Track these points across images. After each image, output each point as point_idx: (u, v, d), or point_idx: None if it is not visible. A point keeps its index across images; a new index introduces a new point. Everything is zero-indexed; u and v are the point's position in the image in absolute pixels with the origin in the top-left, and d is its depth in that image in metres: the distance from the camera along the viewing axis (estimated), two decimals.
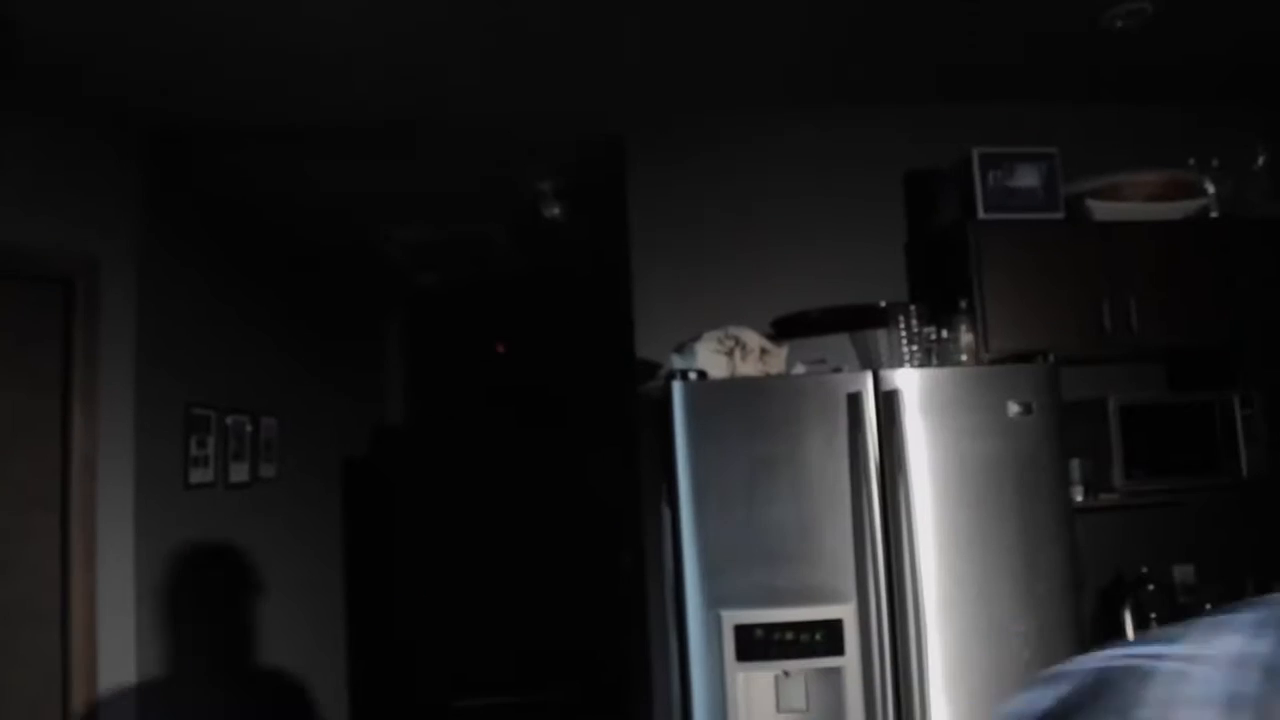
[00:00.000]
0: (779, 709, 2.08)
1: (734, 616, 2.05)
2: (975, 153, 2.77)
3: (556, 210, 3.67)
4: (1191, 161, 2.94)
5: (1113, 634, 2.84)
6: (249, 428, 3.88)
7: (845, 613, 2.06)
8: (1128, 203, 2.82)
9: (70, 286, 2.93)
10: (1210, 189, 2.91)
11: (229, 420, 3.68)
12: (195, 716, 3.32)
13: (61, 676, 2.80)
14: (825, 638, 2.04)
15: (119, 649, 2.87)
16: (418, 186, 3.78)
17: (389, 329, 6.59)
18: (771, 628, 2.05)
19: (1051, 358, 2.22)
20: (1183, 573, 3.09)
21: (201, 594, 3.42)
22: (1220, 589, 3.02)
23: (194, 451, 3.38)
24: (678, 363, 2.20)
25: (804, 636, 2.04)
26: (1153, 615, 2.89)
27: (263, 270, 4.29)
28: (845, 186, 3.13)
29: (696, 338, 2.27)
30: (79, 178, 2.94)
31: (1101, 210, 2.81)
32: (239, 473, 3.75)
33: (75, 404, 2.89)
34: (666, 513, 2.24)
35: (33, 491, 2.84)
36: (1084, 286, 2.74)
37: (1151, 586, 2.92)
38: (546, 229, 4.07)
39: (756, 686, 2.07)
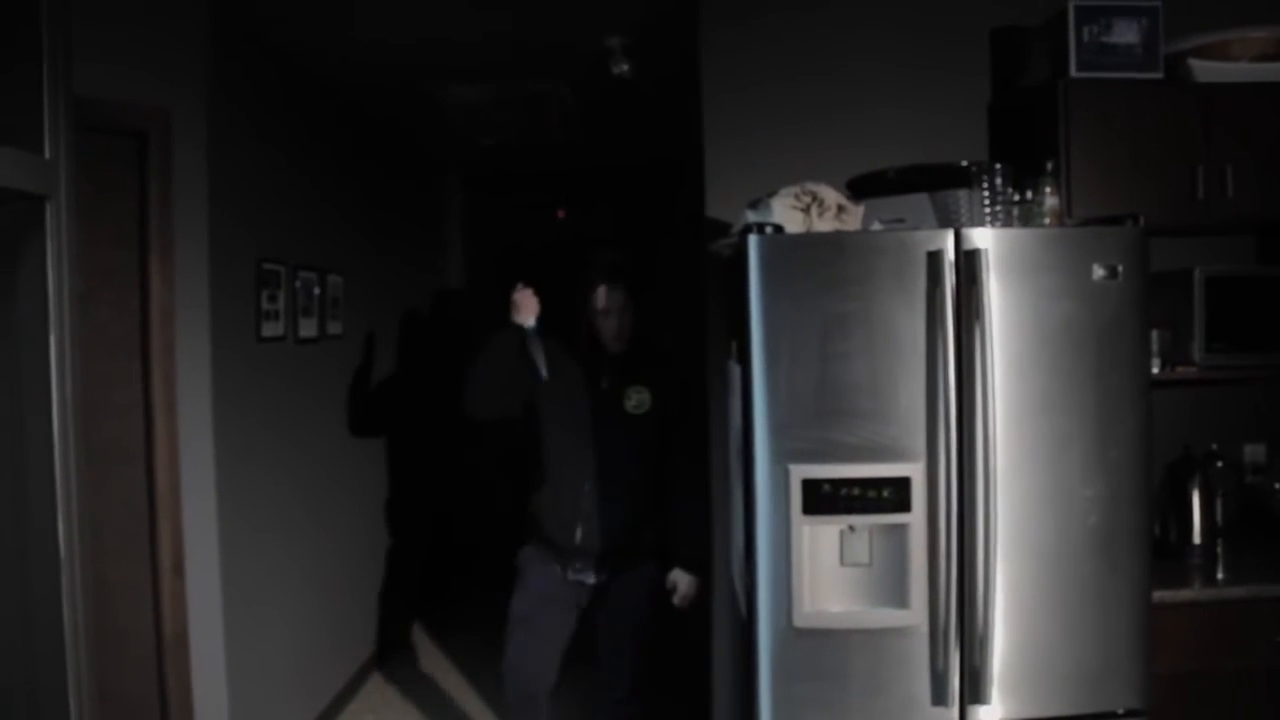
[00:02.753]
0: (843, 562, 2.11)
1: (802, 471, 2.07)
2: (1071, 5, 2.61)
3: (625, 67, 3.56)
4: None
5: (1178, 509, 2.83)
6: (317, 287, 3.94)
7: (914, 471, 2.06)
8: (1234, 62, 2.65)
9: (144, 139, 2.95)
10: None
11: (299, 277, 3.73)
12: (274, 552, 3.50)
13: (149, 513, 2.96)
14: (893, 494, 2.06)
15: (201, 488, 3.01)
16: (484, 36, 3.68)
17: (450, 193, 6.58)
18: (839, 483, 2.06)
19: (1141, 220, 2.13)
20: (1253, 451, 3.04)
21: (274, 441, 3.55)
22: None
23: (265, 305, 3.45)
24: (752, 217, 2.16)
25: (871, 492, 2.06)
26: (1220, 493, 2.86)
27: (327, 132, 4.28)
28: (928, 47, 2.99)
29: (772, 193, 2.22)
30: (148, 31, 2.92)
31: (1204, 70, 2.65)
32: (308, 328, 3.83)
33: (152, 254, 2.95)
34: (736, 370, 2.24)
35: (116, 339, 2.94)
36: (1178, 151, 2.61)
37: (1220, 464, 2.88)
38: (613, 89, 3.96)
39: (821, 539, 2.10)
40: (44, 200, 1.63)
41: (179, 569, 2.99)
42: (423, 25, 3.49)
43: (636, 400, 2.93)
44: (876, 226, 2.29)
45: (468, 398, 2.91)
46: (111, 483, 2.89)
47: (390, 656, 4.83)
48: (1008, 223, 2.28)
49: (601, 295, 2.94)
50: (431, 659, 4.87)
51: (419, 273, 5.87)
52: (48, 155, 1.66)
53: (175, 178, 2.98)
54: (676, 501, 2.97)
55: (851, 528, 2.10)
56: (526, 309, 2.87)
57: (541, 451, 2.99)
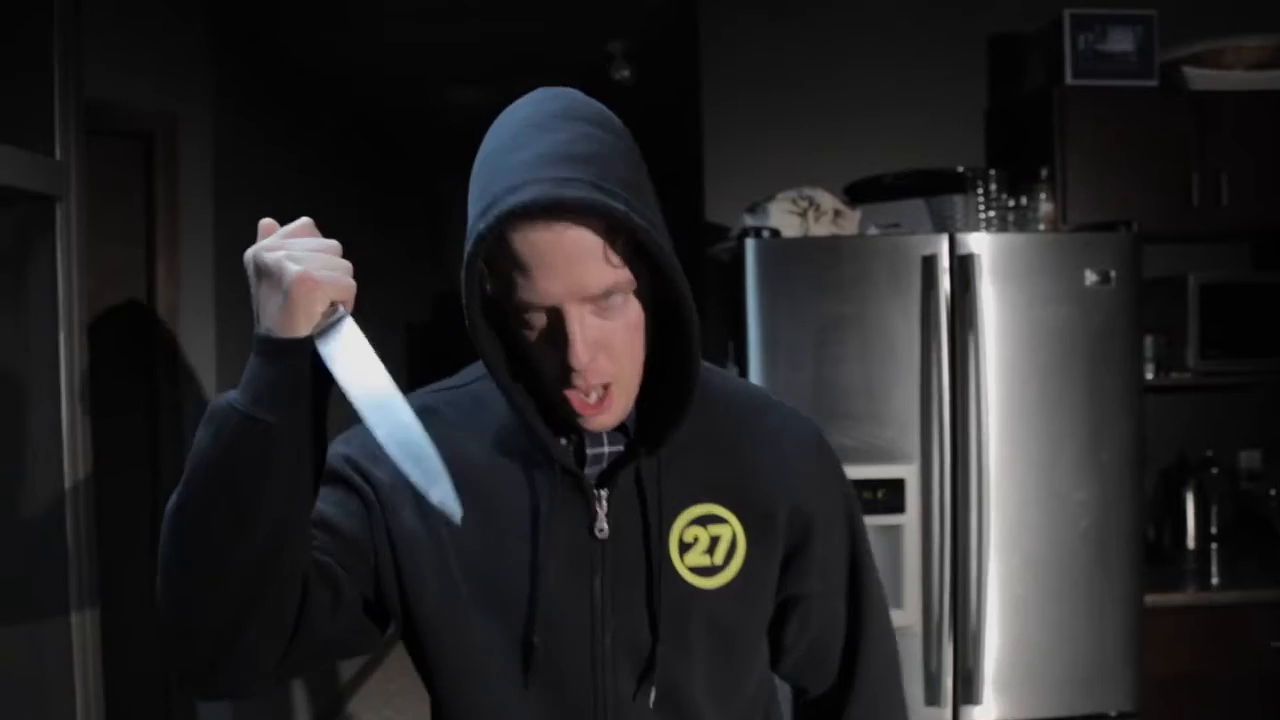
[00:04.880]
0: None
1: None
2: (1067, 13, 2.64)
3: (626, 73, 3.59)
4: None
5: (1172, 514, 2.85)
6: None
7: (908, 473, 2.09)
8: (1228, 71, 2.68)
9: (150, 140, 2.98)
10: None
11: None
12: None
13: (150, 516, 2.98)
14: (887, 496, 2.08)
15: None
16: (483, 44, 3.72)
17: (450, 197, 6.62)
18: None
19: (1135, 227, 2.16)
20: (1249, 458, 3.05)
21: None
22: None
23: None
24: (750, 221, 2.19)
25: (865, 494, 2.08)
26: (1215, 498, 2.88)
27: (330, 138, 4.31)
28: (925, 54, 3.02)
29: (770, 197, 2.25)
30: (156, 35, 2.95)
31: (1198, 78, 2.68)
32: None
33: (158, 253, 2.98)
34: (732, 370, 2.26)
35: (120, 340, 2.97)
36: (1173, 158, 2.63)
37: (1215, 470, 2.90)
38: (612, 94, 3.99)
39: None
40: (54, 201, 1.67)
41: None
42: (424, 29, 3.52)
43: (706, 545, 0.94)
44: (873, 231, 2.32)
45: (166, 631, 0.81)
46: (116, 481, 2.91)
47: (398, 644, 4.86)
48: (1002, 228, 2.31)
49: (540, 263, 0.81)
50: None
51: (426, 272, 5.90)
52: (58, 157, 1.69)
53: (182, 177, 3.01)
54: None
55: None
56: (317, 283, 0.73)
57: None
